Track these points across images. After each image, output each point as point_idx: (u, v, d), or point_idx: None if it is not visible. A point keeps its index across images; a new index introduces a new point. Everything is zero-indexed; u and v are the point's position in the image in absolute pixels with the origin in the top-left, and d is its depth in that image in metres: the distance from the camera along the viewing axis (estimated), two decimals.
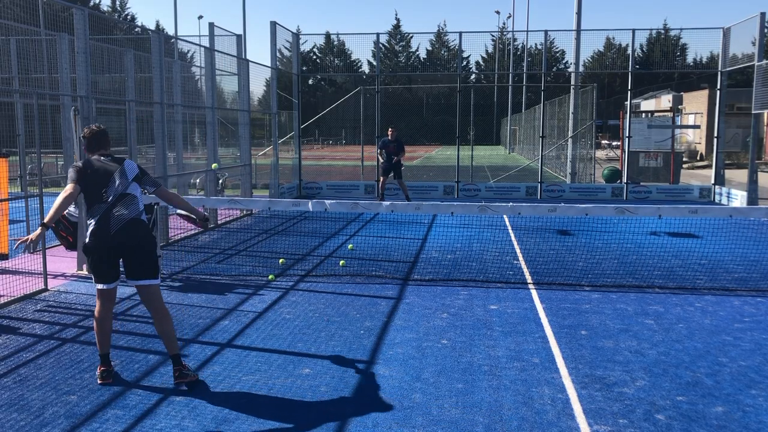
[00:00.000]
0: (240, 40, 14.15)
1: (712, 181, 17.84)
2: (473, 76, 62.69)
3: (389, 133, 15.85)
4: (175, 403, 4.58)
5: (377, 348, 5.71)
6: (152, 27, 57.78)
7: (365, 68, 67.28)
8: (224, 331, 6.18)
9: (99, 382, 4.88)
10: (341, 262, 9.11)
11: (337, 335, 6.05)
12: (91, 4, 54.67)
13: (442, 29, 79.30)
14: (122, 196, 4.87)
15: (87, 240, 4.84)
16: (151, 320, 6.41)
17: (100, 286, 4.87)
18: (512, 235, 11.66)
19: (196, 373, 4.96)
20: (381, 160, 16.08)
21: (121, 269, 4.95)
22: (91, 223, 4.81)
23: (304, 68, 52.73)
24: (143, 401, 4.60)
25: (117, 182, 4.89)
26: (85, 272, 8.47)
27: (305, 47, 66.19)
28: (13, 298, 7.16)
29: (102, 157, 5.03)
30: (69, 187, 4.80)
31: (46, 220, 4.74)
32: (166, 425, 4.25)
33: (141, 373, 5.11)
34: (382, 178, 16.14)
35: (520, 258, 9.64)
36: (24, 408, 4.48)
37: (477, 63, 70.89)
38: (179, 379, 4.83)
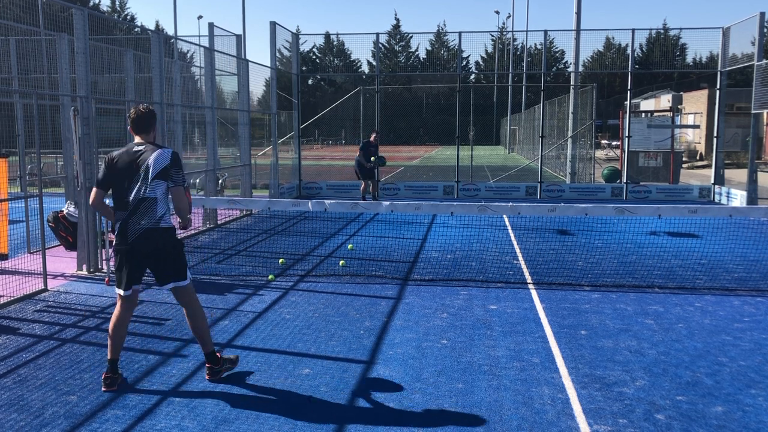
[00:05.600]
0: (239, 40, 14.16)
1: (712, 181, 17.85)
2: (473, 76, 62.69)
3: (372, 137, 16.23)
4: (175, 403, 4.58)
5: (377, 348, 5.71)
6: (152, 27, 57.80)
7: (365, 68, 67.36)
8: (224, 331, 6.18)
9: (103, 389, 4.80)
10: (341, 262, 9.11)
11: (337, 335, 6.05)
12: (91, 4, 54.66)
13: (442, 29, 79.42)
14: (141, 201, 4.71)
15: (114, 240, 4.86)
16: (151, 320, 6.45)
17: (118, 291, 4.85)
18: (512, 235, 11.66)
19: (229, 365, 5.11)
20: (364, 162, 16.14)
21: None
22: (117, 225, 4.82)
23: (304, 68, 52.77)
24: (143, 401, 4.60)
25: (139, 183, 4.70)
26: (84, 272, 8.48)
27: (305, 47, 66.32)
28: (12, 298, 7.16)
29: (138, 146, 4.80)
30: (92, 194, 4.86)
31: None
32: (166, 425, 4.25)
33: (141, 373, 5.11)
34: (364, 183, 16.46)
35: (520, 258, 9.64)
36: (24, 408, 4.48)
37: (477, 63, 70.93)
38: (212, 376, 4.94)
